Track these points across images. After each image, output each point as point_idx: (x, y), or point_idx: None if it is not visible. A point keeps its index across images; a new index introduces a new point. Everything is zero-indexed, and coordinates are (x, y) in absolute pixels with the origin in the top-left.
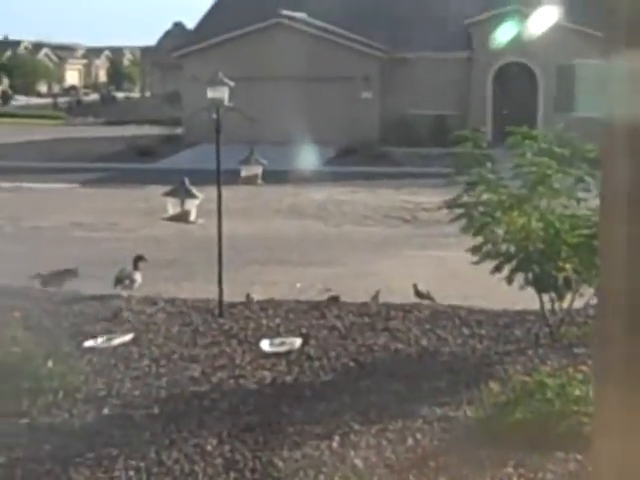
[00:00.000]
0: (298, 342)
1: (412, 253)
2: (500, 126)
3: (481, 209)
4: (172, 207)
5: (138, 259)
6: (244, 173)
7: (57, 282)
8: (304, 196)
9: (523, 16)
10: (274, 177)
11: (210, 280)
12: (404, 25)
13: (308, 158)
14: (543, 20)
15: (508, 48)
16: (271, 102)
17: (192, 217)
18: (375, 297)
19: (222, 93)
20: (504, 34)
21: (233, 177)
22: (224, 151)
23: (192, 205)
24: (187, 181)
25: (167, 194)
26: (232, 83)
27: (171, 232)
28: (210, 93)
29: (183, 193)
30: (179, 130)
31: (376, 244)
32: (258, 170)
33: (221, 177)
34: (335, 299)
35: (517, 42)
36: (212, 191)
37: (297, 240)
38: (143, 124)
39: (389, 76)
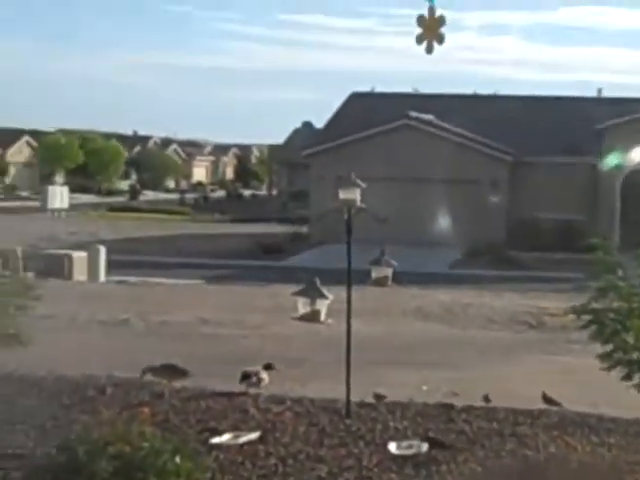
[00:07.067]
0: (425, 446)
1: (539, 358)
2: (627, 232)
3: (611, 316)
4: (302, 306)
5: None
6: (375, 274)
7: (166, 376)
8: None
9: None
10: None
11: (337, 380)
12: (530, 131)
13: (434, 260)
14: None
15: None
16: (397, 203)
17: (322, 317)
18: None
19: (354, 194)
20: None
21: (363, 277)
22: (353, 251)
23: (322, 305)
24: (318, 281)
25: (297, 293)
26: (364, 184)
27: (299, 331)
28: (342, 194)
29: (314, 293)
30: (305, 229)
31: (505, 347)
32: (388, 272)
33: (351, 278)
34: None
35: None
36: (339, 291)
37: (425, 341)
38: (271, 222)
39: (517, 180)
